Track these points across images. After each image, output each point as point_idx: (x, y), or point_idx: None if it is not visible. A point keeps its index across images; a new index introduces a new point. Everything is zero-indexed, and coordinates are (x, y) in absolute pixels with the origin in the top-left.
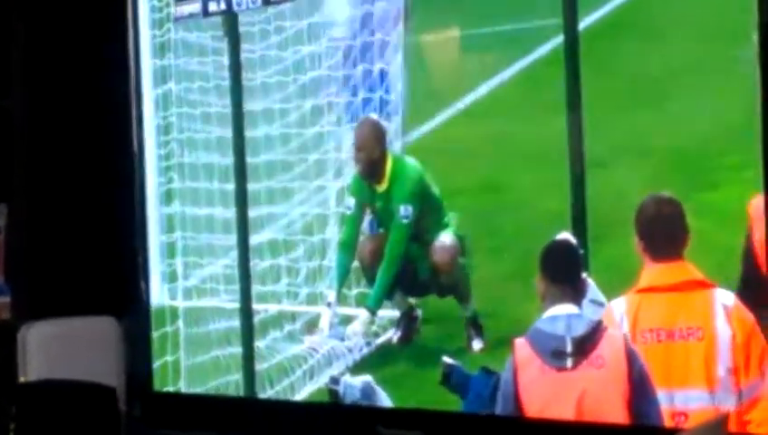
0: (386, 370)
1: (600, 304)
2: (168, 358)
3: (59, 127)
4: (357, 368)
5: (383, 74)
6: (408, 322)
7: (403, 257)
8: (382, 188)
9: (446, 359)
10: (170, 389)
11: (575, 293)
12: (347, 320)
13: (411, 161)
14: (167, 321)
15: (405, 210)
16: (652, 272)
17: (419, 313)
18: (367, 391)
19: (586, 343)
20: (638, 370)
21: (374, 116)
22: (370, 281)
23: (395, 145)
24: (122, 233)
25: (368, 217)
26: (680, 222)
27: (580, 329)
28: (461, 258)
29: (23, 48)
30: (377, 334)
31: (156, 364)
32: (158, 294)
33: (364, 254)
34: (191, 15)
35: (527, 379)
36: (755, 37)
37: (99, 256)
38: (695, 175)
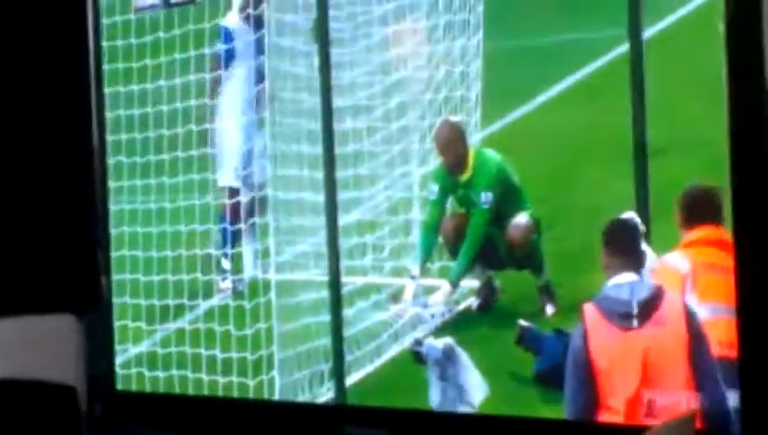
0: (466, 333)
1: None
2: (262, 325)
3: (15, 122)
4: (439, 332)
5: (463, 75)
6: (487, 291)
7: (483, 238)
8: (465, 177)
9: (522, 321)
10: (263, 352)
11: (635, 263)
12: (429, 290)
13: (492, 153)
14: (260, 293)
15: (486, 197)
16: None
17: (498, 283)
18: (448, 352)
19: (649, 305)
20: (696, 327)
21: (452, 118)
22: (453, 255)
23: (474, 137)
24: (82, 228)
25: (450, 200)
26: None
27: (643, 293)
28: (534, 235)
29: None
30: (457, 302)
31: (250, 331)
32: (251, 269)
33: (447, 231)
34: (152, 6)
35: (597, 339)
36: (721, 27)
37: (58, 252)
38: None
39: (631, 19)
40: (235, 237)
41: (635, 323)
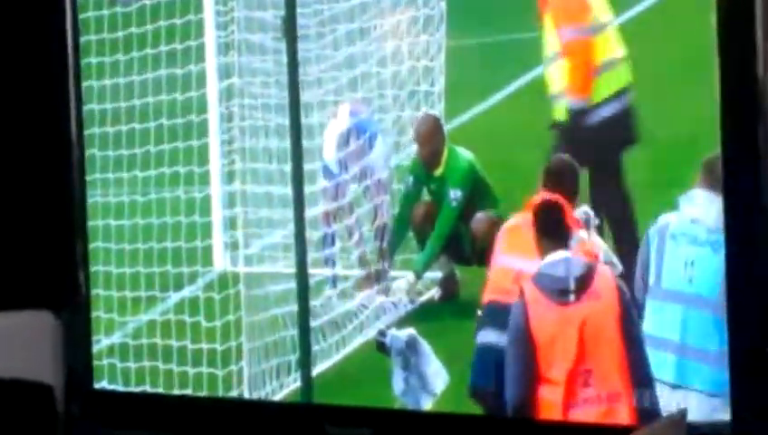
0: (429, 324)
1: (614, 265)
2: (231, 317)
3: None
4: (402, 322)
5: (427, 70)
6: (449, 283)
7: (450, 234)
8: (438, 172)
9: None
10: (232, 343)
11: (564, 241)
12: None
13: (464, 151)
14: (229, 284)
15: (454, 194)
16: None
17: (459, 275)
18: (411, 343)
19: (584, 281)
20: (626, 299)
21: (433, 112)
22: (420, 243)
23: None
24: (60, 224)
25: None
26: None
27: (577, 270)
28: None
29: None
30: (420, 293)
31: (218, 323)
32: (221, 261)
33: (417, 217)
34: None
35: (536, 315)
36: (713, 19)
37: (34, 247)
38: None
39: None
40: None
41: (572, 298)
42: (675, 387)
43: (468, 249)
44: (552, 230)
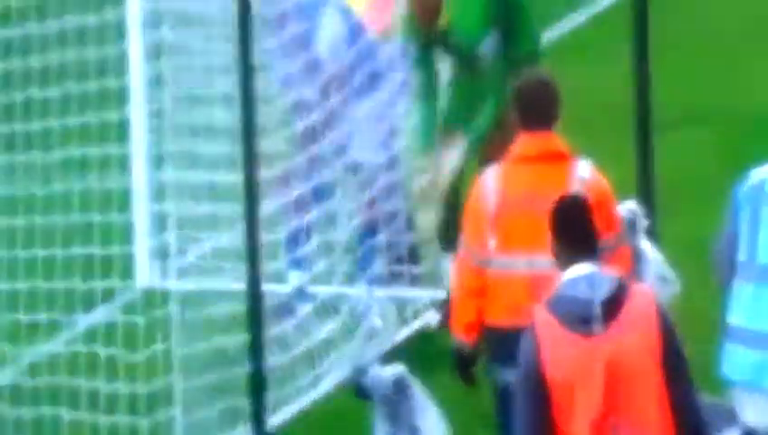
0: (423, 358)
1: (669, 282)
2: (159, 347)
3: None
4: (388, 356)
5: None
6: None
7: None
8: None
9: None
10: (160, 384)
11: (590, 249)
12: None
13: None
14: (157, 304)
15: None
16: (522, 141)
17: None
18: (399, 384)
19: (614, 304)
20: (670, 329)
21: None
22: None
23: None
24: None
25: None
26: (553, 98)
27: (605, 289)
28: None
29: None
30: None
31: (142, 356)
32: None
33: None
34: None
35: (550, 349)
36: None
37: None
38: None
39: None
40: None
41: (597, 328)
42: None
43: None
44: (572, 235)
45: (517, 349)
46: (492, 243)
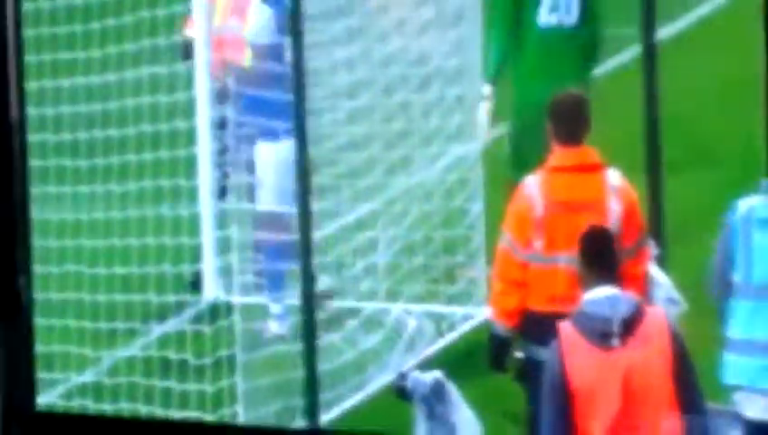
0: (459, 365)
1: (677, 303)
2: (223, 353)
3: None
4: (427, 363)
5: None
6: None
7: None
8: None
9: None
10: (224, 383)
11: (612, 274)
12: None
13: None
14: (221, 315)
15: None
16: (559, 154)
17: None
18: (437, 388)
19: (631, 322)
20: (681, 345)
21: None
22: None
23: None
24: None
25: None
26: (586, 115)
27: (623, 308)
28: None
29: None
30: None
31: (209, 360)
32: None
33: None
34: None
35: (573, 359)
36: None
37: None
38: None
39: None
40: None
41: (616, 342)
42: None
43: None
44: (598, 261)
45: (553, 331)
46: (538, 244)
